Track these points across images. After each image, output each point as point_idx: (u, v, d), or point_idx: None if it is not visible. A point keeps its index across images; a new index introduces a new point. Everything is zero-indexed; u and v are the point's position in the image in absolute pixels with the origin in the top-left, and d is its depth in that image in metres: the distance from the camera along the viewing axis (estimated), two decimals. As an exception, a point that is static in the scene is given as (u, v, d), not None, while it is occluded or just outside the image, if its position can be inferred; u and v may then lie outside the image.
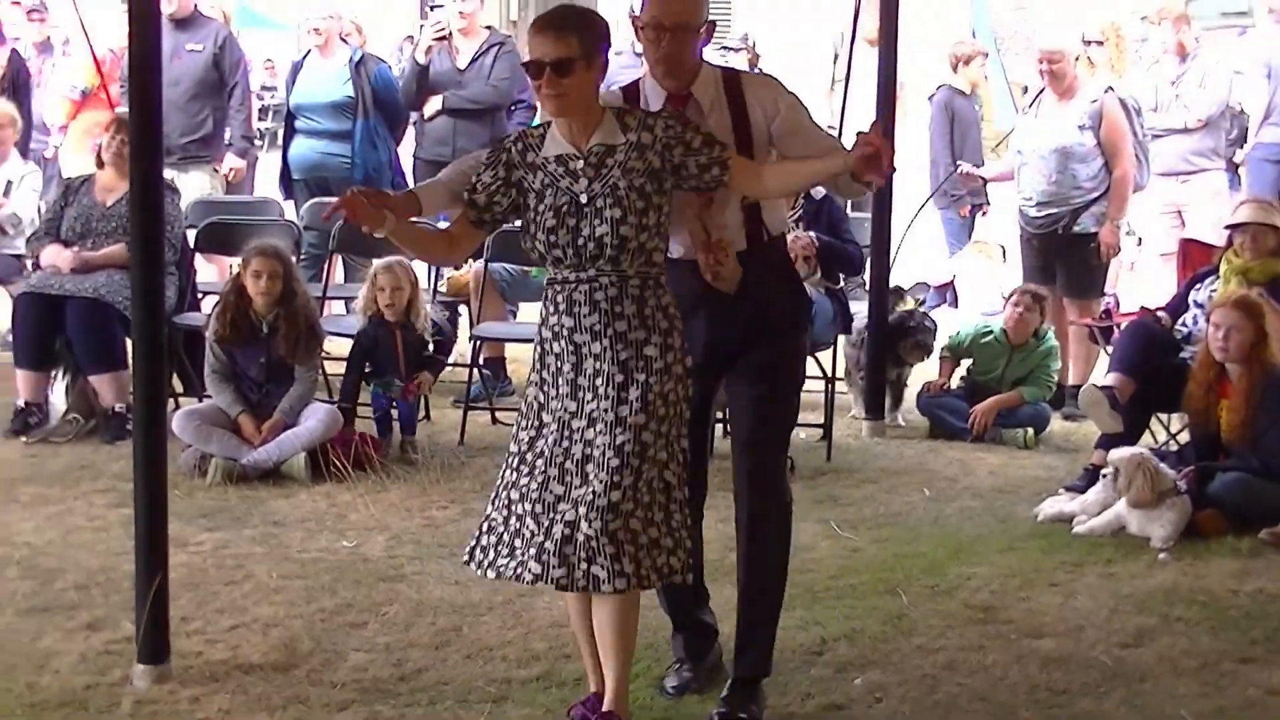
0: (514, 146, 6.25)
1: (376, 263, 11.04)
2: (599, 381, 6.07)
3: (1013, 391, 11.65)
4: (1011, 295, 12.10)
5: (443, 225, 7.04)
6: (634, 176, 6.07)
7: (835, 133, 11.14)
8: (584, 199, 6.06)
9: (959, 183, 14.08)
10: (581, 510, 5.97)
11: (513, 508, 6.14)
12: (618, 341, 6.05)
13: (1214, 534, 9.13)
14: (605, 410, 6.04)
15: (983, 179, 14.16)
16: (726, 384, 6.71)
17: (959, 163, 14.23)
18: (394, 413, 10.73)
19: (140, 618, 6.68)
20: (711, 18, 6.52)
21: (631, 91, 6.59)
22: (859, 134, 6.10)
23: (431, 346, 11.02)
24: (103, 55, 14.83)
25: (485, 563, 6.20)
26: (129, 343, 8.43)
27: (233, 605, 7.75)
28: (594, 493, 5.96)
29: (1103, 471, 9.30)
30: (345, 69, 13.67)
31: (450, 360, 12.33)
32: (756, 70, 15.40)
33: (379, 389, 10.77)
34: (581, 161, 6.11)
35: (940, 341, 12.18)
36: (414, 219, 6.41)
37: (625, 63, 12.70)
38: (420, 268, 11.55)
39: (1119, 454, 9.28)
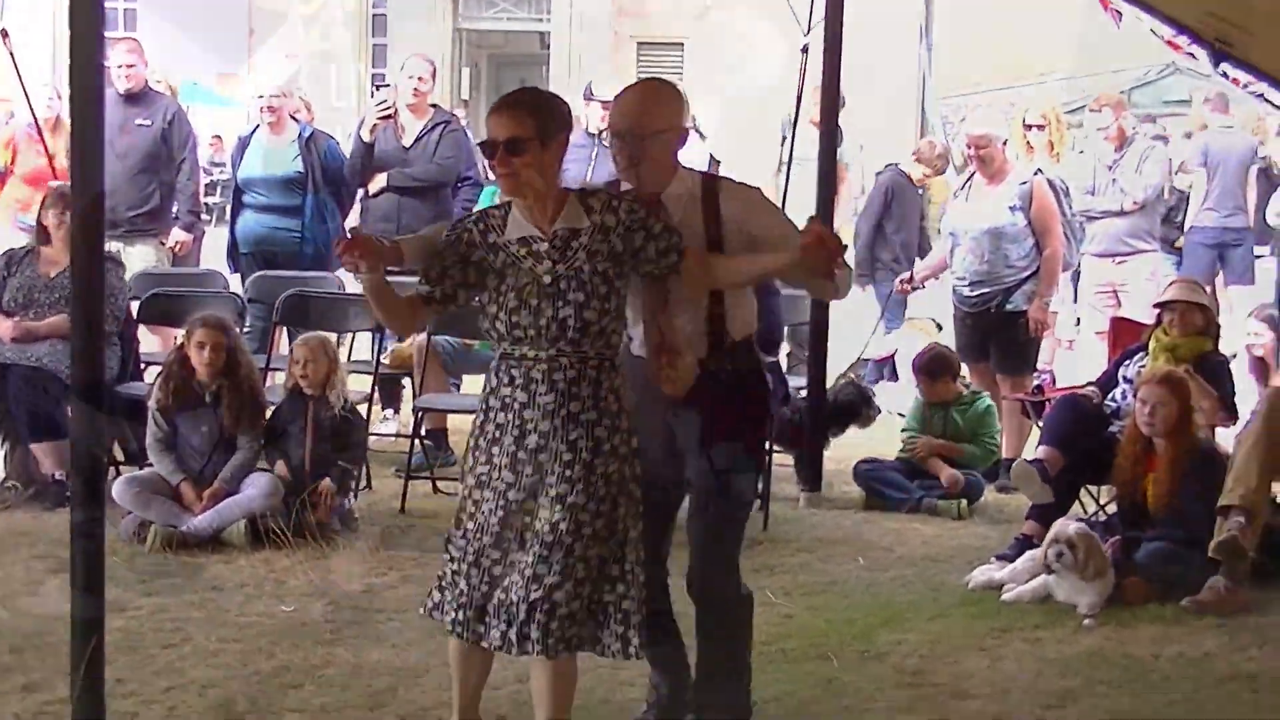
0: (475, 226, 6.35)
1: (300, 336, 11.18)
2: (543, 457, 6.21)
3: (957, 444, 11.93)
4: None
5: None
6: (598, 260, 6.20)
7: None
8: (547, 280, 6.19)
9: (897, 289, 14.24)
10: (513, 577, 6.16)
11: (455, 564, 6.33)
12: (570, 422, 6.18)
13: (1138, 601, 9.30)
14: (549, 486, 6.19)
15: (919, 285, 14.24)
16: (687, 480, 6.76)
17: (900, 279, 14.33)
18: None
19: (75, 679, 6.71)
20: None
21: (614, 188, 6.64)
22: (804, 226, 6.27)
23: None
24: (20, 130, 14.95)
25: (437, 611, 6.43)
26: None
27: (170, 668, 7.81)
28: (526, 563, 6.14)
29: (1048, 544, 9.39)
30: (294, 145, 13.79)
31: (392, 432, 12.43)
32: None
33: None
34: (545, 244, 6.23)
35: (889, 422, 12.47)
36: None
37: (579, 141, 12.82)
38: (363, 341, 11.66)
39: (1067, 529, 9.41)
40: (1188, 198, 17.87)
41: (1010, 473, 11.13)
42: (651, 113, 6.50)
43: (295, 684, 7.63)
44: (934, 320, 16.14)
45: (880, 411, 12.46)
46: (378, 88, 15.52)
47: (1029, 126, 14.78)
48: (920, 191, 17.22)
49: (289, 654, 8.08)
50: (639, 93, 6.70)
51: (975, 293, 12.44)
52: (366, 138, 13.48)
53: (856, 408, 12.17)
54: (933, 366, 12.29)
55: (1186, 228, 17.72)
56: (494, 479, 6.29)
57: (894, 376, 16.18)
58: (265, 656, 8.03)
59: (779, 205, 13.03)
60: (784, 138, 15.97)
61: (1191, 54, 11.93)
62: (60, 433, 10.70)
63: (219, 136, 27.97)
